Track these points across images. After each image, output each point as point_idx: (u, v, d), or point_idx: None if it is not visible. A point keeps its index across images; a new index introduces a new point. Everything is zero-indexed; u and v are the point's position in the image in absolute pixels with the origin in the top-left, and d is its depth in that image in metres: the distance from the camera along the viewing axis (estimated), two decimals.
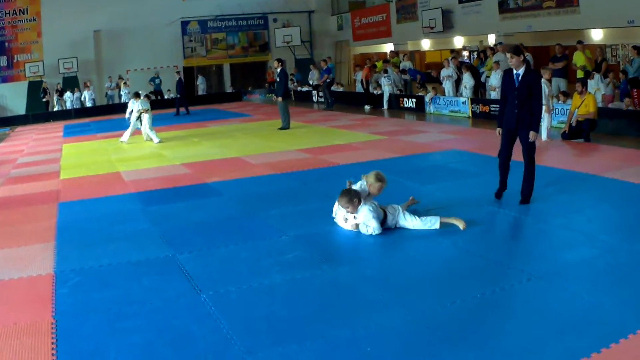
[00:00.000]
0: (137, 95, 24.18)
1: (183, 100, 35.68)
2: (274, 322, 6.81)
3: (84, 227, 11.38)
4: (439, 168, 15.02)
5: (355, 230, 9.76)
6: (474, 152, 16.83)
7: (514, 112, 10.91)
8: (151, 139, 23.27)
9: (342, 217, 10.01)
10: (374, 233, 9.44)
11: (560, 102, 20.39)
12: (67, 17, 41.72)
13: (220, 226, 10.89)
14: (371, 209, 9.52)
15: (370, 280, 8.07)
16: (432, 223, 9.56)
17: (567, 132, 17.87)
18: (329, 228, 10.29)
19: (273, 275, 8.27)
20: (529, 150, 11.00)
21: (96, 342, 6.58)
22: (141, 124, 23.59)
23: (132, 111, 23.81)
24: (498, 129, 11.64)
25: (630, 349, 5.79)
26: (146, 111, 23.44)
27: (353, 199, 9.60)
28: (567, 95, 20.66)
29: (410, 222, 9.67)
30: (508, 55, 11.11)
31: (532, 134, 10.80)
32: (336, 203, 10.19)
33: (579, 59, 23.12)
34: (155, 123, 24.67)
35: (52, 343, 6.59)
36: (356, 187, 9.95)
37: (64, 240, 10.62)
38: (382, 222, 9.66)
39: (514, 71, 10.95)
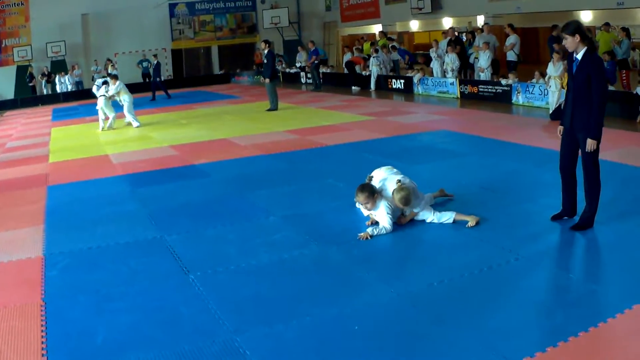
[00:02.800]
0: (106, 83, 24.00)
1: (161, 84, 35.44)
2: (261, 302, 6.87)
3: (72, 210, 11.42)
4: (427, 148, 15.04)
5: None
6: (462, 132, 16.87)
7: (569, 108, 8.70)
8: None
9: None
10: (383, 233, 9.02)
11: (542, 82, 20.44)
12: (55, 1, 41.47)
13: (208, 207, 10.94)
14: (390, 205, 9.15)
15: (358, 260, 8.12)
16: (446, 218, 9.24)
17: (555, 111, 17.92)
18: (317, 208, 10.37)
19: (261, 255, 8.32)
20: (585, 159, 8.66)
21: (85, 323, 6.62)
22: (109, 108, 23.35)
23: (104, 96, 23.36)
24: (560, 127, 9.07)
25: (618, 327, 5.86)
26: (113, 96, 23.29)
27: (373, 194, 9.22)
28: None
29: (429, 216, 9.35)
30: (562, 35, 8.55)
31: (589, 142, 8.41)
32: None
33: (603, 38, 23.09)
34: (143, 106, 24.62)
35: (42, 325, 6.64)
36: (375, 183, 9.62)
37: (53, 223, 10.66)
38: (399, 218, 9.37)
39: (574, 55, 8.54)
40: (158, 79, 35.21)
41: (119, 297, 7.27)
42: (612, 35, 23.13)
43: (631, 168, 11.88)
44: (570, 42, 8.39)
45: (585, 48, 8.38)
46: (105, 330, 6.39)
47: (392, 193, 9.14)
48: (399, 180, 9.21)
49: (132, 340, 6.16)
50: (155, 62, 35.24)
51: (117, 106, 23.37)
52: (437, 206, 9.75)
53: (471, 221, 9.03)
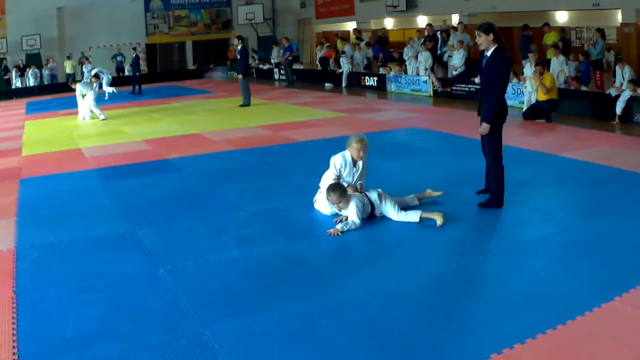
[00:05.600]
0: (96, 76, 24.15)
1: (138, 78, 35.37)
2: (231, 296, 6.93)
3: (44, 203, 11.42)
4: (399, 145, 15.15)
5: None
6: (434, 129, 16.99)
7: (480, 98, 9.89)
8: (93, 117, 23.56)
9: (325, 204, 9.80)
10: (352, 228, 9.07)
11: (515, 82, 20.60)
12: None
13: (179, 202, 10.99)
14: (359, 206, 9.23)
15: (327, 255, 8.24)
16: (412, 218, 9.21)
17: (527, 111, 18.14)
18: (287, 203, 10.44)
19: (230, 250, 8.39)
20: (485, 143, 9.86)
21: (56, 315, 6.66)
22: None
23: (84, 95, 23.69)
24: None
25: (586, 325, 5.93)
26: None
27: (344, 194, 9.27)
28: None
29: (393, 214, 9.37)
30: (476, 33, 9.56)
31: (482, 126, 9.54)
32: (318, 191, 10.14)
33: (549, 38, 23.22)
34: (117, 100, 24.64)
35: (13, 317, 6.67)
36: (337, 158, 9.78)
37: (24, 216, 10.66)
38: (370, 215, 9.46)
39: (485, 52, 9.58)
40: (137, 73, 35.09)
41: (89, 290, 7.30)
42: (553, 35, 23.30)
43: (602, 167, 12.02)
44: (483, 40, 9.39)
45: (495, 46, 9.38)
46: (76, 323, 6.43)
47: (350, 142, 9.69)
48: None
49: (102, 332, 6.20)
50: (134, 55, 35.17)
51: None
52: (424, 206, 9.77)
53: (439, 219, 9.03)
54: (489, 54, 9.48)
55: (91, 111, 23.60)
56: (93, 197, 11.64)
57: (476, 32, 9.59)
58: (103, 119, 23.20)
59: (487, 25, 9.49)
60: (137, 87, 34.86)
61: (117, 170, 13.90)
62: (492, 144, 9.63)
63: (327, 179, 9.82)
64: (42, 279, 7.74)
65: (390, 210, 9.36)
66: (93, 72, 26.88)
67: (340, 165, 9.71)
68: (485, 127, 9.47)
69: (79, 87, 23.65)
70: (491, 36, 9.38)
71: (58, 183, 13.10)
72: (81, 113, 23.67)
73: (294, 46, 36.90)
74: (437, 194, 10.30)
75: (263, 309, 6.55)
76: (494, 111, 9.40)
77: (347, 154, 9.76)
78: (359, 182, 9.83)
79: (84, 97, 23.48)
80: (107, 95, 31.55)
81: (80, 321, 6.47)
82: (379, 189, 9.61)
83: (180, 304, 6.77)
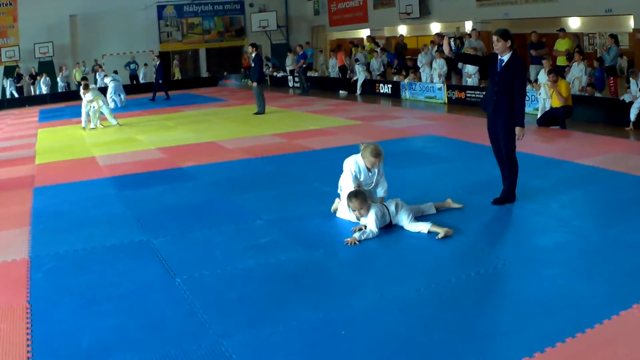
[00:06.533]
0: (86, 87, 24.05)
1: (163, 85, 35.49)
2: (248, 305, 6.86)
3: (58, 212, 11.38)
4: (414, 153, 15.09)
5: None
6: (449, 137, 16.93)
7: (492, 99, 10.16)
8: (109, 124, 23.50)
9: (345, 210, 9.77)
10: (370, 237, 9.01)
11: (530, 89, 20.56)
12: (43, 2, 41.31)
13: (194, 210, 10.93)
14: (378, 215, 9.17)
15: (344, 264, 8.17)
16: (421, 228, 9.10)
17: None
18: (303, 212, 10.37)
19: (247, 259, 8.32)
20: (505, 144, 10.20)
21: (70, 326, 6.60)
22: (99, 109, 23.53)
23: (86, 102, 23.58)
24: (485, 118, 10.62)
25: (605, 333, 5.86)
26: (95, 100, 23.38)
27: (365, 202, 9.24)
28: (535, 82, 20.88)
29: (405, 222, 9.29)
30: (494, 38, 10.08)
31: (518, 130, 10.04)
32: (337, 200, 10.15)
33: (562, 45, 23.15)
34: (130, 108, 24.64)
35: (27, 327, 6.61)
36: (350, 163, 9.75)
37: (39, 225, 10.62)
38: (388, 225, 9.38)
39: (499, 57, 10.10)
40: (160, 80, 35.28)
41: (104, 299, 7.24)
42: (566, 42, 23.19)
43: (616, 174, 11.93)
44: (501, 45, 9.93)
45: (512, 52, 9.99)
46: (91, 333, 6.36)
47: (363, 152, 9.62)
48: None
49: (118, 343, 6.13)
50: (158, 62, 35.36)
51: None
52: (440, 215, 9.77)
53: (441, 233, 8.91)
54: (505, 58, 10.00)
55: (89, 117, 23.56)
56: (107, 206, 11.59)
57: (494, 37, 10.07)
58: (93, 128, 23.34)
59: (505, 30, 10.08)
60: (159, 93, 35.25)
61: (132, 179, 13.89)
62: (510, 144, 10.13)
63: (347, 185, 9.74)
64: (57, 289, 7.68)
65: (404, 219, 9.29)
66: (107, 80, 26.84)
67: (354, 170, 9.67)
68: (521, 131, 10.08)
69: (89, 96, 23.46)
70: (509, 42, 9.93)
71: (72, 191, 13.07)
72: (93, 121, 23.56)
73: (308, 52, 36.84)
74: (457, 205, 10.17)
75: (281, 319, 6.48)
76: (523, 113, 10.06)
77: (360, 159, 9.70)
78: (380, 193, 9.78)
79: (93, 107, 23.32)
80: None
81: (95, 331, 6.40)
82: (398, 199, 9.53)
83: (197, 314, 6.70)
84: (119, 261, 8.53)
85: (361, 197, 9.18)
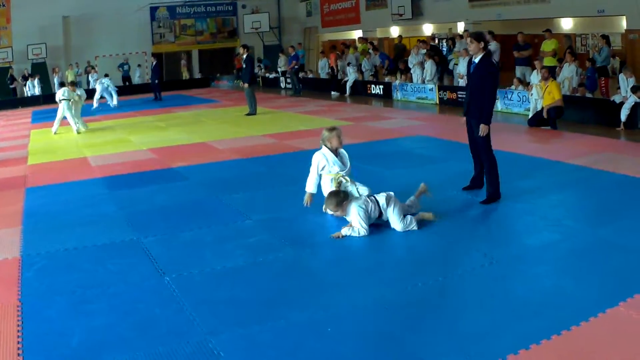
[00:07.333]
0: (62, 85, 24.00)
1: (157, 85, 35.67)
2: (236, 304, 6.94)
3: (50, 212, 11.45)
4: (404, 153, 15.16)
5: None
6: (440, 138, 17.00)
7: (467, 100, 10.70)
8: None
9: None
10: (359, 235, 9.08)
11: (521, 89, 20.71)
12: (36, 3, 41.23)
13: (185, 210, 11.01)
14: (361, 213, 9.14)
15: (332, 264, 8.26)
16: (412, 227, 9.17)
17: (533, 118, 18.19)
18: (293, 212, 10.43)
19: (236, 258, 8.40)
20: (481, 143, 10.54)
21: (61, 324, 6.67)
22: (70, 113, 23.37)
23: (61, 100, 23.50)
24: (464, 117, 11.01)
25: (590, 331, 5.93)
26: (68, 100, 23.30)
27: (341, 202, 9.34)
28: (527, 84, 21.00)
29: (396, 224, 9.24)
30: (468, 40, 10.59)
31: (482, 127, 10.32)
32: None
33: (548, 45, 23.20)
34: (123, 109, 24.66)
35: (18, 325, 6.67)
36: (317, 156, 10.16)
37: (30, 224, 10.70)
38: (378, 216, 9.38)
39: (472, 58, 10.51)
40: (157, 80, 35.45)
41: (94, 298, 7.32)
42: (553, 43, 23.23)
43: (606, 174, 12.03)
44: (474, 47, 10.27)
45: (484, 53, 10.29)
46: (81, 332, 6.44)
47: (324, 136, 10.18)
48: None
49: (108, 341, 6.20)
50: (154, 62, 35.44)
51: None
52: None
53: (431, 217, 9.35)
54: (477, 60, 10.38)
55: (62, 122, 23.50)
56: (99, 206, 11.66)
57: (468, 39, 10.64)
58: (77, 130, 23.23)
59: (479, 33, 10.82)
60: (157, 93, 35.53)
61: (123, 179, 13.95)
62: (485, 141, 10.45)
63: (325, 186, 10.12)
64: (48, 288, 7.75)
65: (394, 220, 9.26)
66: (99, 81, 26.80)
67: (323, 163, 10.06)
68: (485, 129, 10.31)
69: (77, 93, 23.40)
70: (482, 44, 10.28)
71: (64, 192, 13.14)
72: (72, 124, 23.42)
73: (300, 53, 36.92)
74: (429, 193, 10.12)
75: (268, 318, 6.55)
76: (490, 113, 10.39)
77: (324, 149, 10.12)
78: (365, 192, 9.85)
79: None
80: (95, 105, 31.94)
81: (85, 330, 6.47)
82: (391, 193, 9.52)
83: (186, 312, 6.77)
84: (109, 260, 8.59)
85: (334, 199, 9.35)
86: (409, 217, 9.28)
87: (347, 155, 10.34)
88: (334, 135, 10.15)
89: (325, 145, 10.19)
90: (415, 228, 9.16)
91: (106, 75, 34.49)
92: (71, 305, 7.16)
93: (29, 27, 41.55)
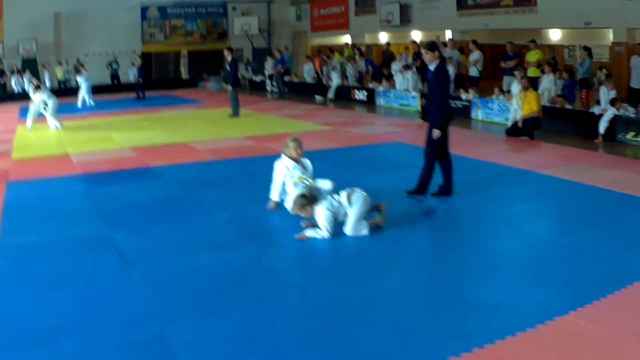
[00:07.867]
0: (38, 88, 24.24)
1: (142, 84, 35.97)
2: (195, 298, 7.26)
3: (28, 206, 11.77)
4: (379, 160, 15.49)
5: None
6: (418, 145, 17.16)
7: (425, 105, 11.14)
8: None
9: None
10: (319, 237, 9.23)
11: (502, 98, 20.98)
12: None
13: (157, 208, 11.34)
14: (327, 215, 9.24)
15: (294, 263, 8.64)
16: (364, 233, 9.29)
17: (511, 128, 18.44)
18: (262, 212, 10.78)
19: (201, 255, 8.75)
20: (426, 143, 11.49)
21: (27, 311, 7.01)
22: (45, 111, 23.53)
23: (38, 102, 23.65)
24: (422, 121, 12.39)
25: (534, 337, 6.10)
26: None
27: (307, 204, 9.41)
28: (508, 92, 21.26)
29: (347, 224, 9.35)
30: (423, 51, 11.29)
31: (435, 131, 11.18)
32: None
33: (532, 56, 23.41)
34: (110, 107, 24.84)
35: None
36: (279, 166, 10.69)
37: (9, 217, 11.01)
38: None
39: (429, 67, 11.36)
40: (141, 80, 35.76)
41: (61, 287, 7.66)
42: (537, 53, 23.41)
43: (580, 185, 12.29)
44: (430, 57, 11.05)
45: (439, 61, 11.11)
46: (45, 318, 6.78)
47: (287, 144, 10.69)
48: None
49: (69, 327, 6.54)
50: (140, 63, 35.71)
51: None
52: (389, 221, 9.89)
53: (379, 221, 9.62)
54: (432, 68, 11.16)
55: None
56: (76, 201, 11.99)
57: (422, 50, 11.35)
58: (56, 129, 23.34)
59: (432, 43, 11.26)
60: (141, 92, 35.92)
61: (102, 176, 14.25)
62: (434, 143, 11.27)
63: (289, 189, 10.53)
64: (19, 276, 8.11)
65: (348, 222, 9.37)
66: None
67: (283, 170, 10.58)
68: (438, 133, 11.13)
69: (39, 96, 23.65)
70: (436, 53, 11.10)
71: (44, 187, 13.45)
72: (50, 123, 23.60)
73: (286, 57, 37.17)
74: (382, 220, 9.80)
75: (224, 312, 6.88)
76: (441, 117, 11.15)
77: (285, 158, 10.67)
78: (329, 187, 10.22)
79: (46, 107, 23.46)
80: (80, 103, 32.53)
81: (49, 316, 6.83)
82: (355, 188, 9.60)
83: (146, 304, 7.11)
84: (79, 253, 8.95)
85: (299, 201, 9.49)
86: (364, 222, 9.42)
87: (309, 161, 10.87)
88: (292, 146, 10.72)
89: (285, 154, 10.71)
90: (365, 234, 9.34)
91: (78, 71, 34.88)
92: (39, 293, 7.50)
93: (21, 22, 41.43)
